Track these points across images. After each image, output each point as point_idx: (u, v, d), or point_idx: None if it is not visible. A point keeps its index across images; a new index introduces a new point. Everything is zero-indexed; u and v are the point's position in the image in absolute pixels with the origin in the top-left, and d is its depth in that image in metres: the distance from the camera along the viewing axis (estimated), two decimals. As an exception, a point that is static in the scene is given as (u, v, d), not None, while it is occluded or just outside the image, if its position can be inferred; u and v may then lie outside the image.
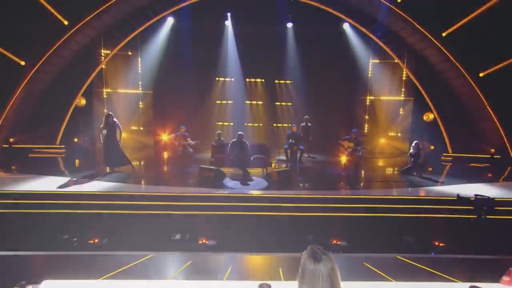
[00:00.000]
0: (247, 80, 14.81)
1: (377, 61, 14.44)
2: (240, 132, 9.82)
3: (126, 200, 7.41)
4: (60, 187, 8.00)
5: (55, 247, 6.00)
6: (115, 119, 9.72)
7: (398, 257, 5.79)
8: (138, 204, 7.39)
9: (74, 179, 8.82)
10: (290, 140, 11.91)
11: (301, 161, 12.08)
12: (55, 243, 6.12)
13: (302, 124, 13.14)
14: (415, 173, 10.10)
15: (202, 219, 7.13)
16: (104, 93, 14.16)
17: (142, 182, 9.19)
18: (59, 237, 6.21)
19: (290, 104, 15.09)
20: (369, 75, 14.61)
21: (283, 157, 12.19)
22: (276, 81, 14.96)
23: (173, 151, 10.95)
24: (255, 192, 8.13)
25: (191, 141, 10.77)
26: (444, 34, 11.91)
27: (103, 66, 13.73)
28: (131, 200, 7.44)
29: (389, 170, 11.64)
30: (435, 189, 8.71)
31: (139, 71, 14.27)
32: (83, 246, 6.16)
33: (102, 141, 9.56)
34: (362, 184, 9.68)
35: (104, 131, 9.64)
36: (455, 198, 7.36)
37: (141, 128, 14.75)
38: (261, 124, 15.09)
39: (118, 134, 9.86)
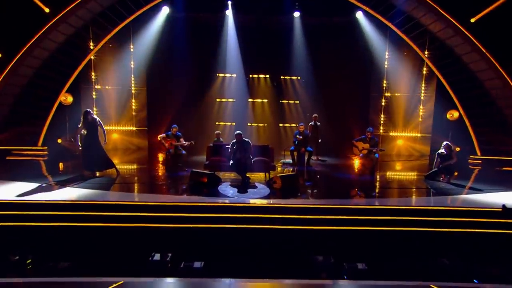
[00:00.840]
0: (250, 76, 14.08)
1: (395, 53, 13.28)
2: (238, 132, 8.69)
3: (94, 211, 6.31)
4: (23, 195, 6.90)
5: (1, 271, 4.90)
6: (95, 117, 8.70)
7: (432, 286, 4.59)
8: (109, 216, 6.29)
9: (44, 185, 7.74)
10: (297, 141, 10.75)
11: (309, 165, 10.96)
12: (1, 266, 5.03)
13: (310, 123, 12.07)
14: (442, 178, 8.86)
15: (188, 234, 6.00)
16: (93, 89, 13.17)
17: (121, 189, 8.09)
18: (8, 258, 5.10)
19: (297, 102, 14.22)
20: (385, 69, 13.51)
21: (289, 160, 11.07)
22: (282, 77, 14.10)
23: (163, 153, 9.81)
24: (255, 201, 6.99)
25: (184, 142, 9.66)
26: (472, 20, 10.64)
27: (92, 59, 12.82)
28: (101, 210, 6.34)
29: (410, 175, 10.39)
30: (470, 198, 7.46)
31: (132, 66, 13.35)
32: (38, 270, 5.06)
33: (80, 143, 8.48)
34: (379, 191, 8.46)
35: (84, 131, 8.59)
36: (500, 209, 6.10)
37: (134, 128, 13.73)
38: (265, 124, 14.24)
39: (102, 135, 8.80)
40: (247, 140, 8.71)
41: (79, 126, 8.55)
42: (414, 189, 8.54)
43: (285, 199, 7.37)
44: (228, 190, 7.86)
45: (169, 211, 6.55)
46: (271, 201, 7.10)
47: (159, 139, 9.69)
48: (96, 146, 8.70)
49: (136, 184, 8.61)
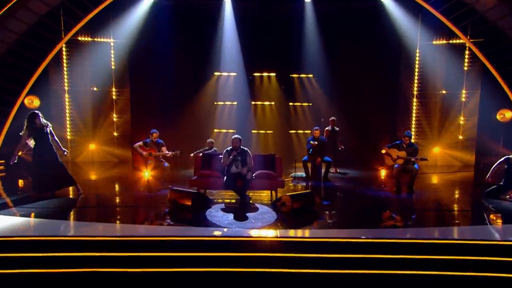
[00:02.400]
0: (253, 74, 12.62)
1: (430, 42, 11.52)
2: (236, 136, 6.94)
3: (30, 250, 4.56)
4: None
5: None
6: (44, 121, 6.98)
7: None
8: (49, 258, 4.51)
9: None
10: (312, 149, 9.00)
11: (327, 179, 9.18)
12: None
13: (327, 128, 10.37)
14: (509, 196, 6.95)
15: (162, 281, 4.24)
16: (65, 91, 11.65)
17: (78, 216, 6.33)
18: None
19: (310, 104, 12.75)
20: (417, 63, 11.83)
21: (302, 174, 9.35)
22: (292, 75, 12.67)
23: (140, 166, 8.06)
24: (257, 233, 5.20)
25: (167, 152, 7.90)
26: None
27: (64, 55, 11.28)
28: (42, 249, 4.60)
29: (459, 192, 8.46)
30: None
31: (112, 63, 11.82)
32: None
33: (17, 156, 6.81)
34: (423, 215, 6.58)
35: (32, 142, 6.90)
36: None
37: (116, 134, 12.08)
38: (272, 131, 12.80)
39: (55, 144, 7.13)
40: (246, 149, 6.98)
41: (21, 133, 6.84)
42: (472, 213, 6.62)
43: (298, 228, 5.55)
44: (220, 215, 6.05)
45: (134, 248, 4.77)
46: (278, 232, 5.24)
47: (135, 148, 7.93)
48: (50, 159, 6.97)
49: (99, 208, 6.80)
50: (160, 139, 8.15)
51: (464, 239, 5.00)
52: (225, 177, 6.84)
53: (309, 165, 9.20)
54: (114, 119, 12.04)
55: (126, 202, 7.22)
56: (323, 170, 9.23)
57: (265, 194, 7.61)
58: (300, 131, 12.79)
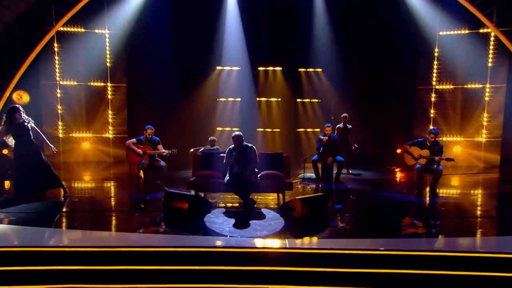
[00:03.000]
0: (259, 69, 12.17)
1: (450, 32, 10.85)
2: (237, 133, 6.32)
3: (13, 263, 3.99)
4: None
5: None
6: (25, 116, 6.45)
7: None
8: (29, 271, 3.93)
9: None
10: (322, 147, 8.40)
11: (339, 180, 8.54)
12: None
13: (338, 125, 9.78)
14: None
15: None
16: (57, 86, 11.10)
17: (65, 223, 5.75)
18: None
19: (319, 101, 12.29)
20: (436, 54, 11.16)
21: (311, 175, 8.75)
22: (300, 70, 12.22)
23: (133, 165, 7.50)
24: (262, 242, 4.59)
25: (163, 150, 7.30)
26: None
27: (56, 47, 10.78)
28: (26, 262, 4.04)
29: (487, 197, 7.78)
30: None
31: (107, 56, 11.28)
32: None
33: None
34: (449, 222, 5.92)
35: (11, 139, 6.35)
36: None
37: (111, 135, 11.52)
38: (278, 130, 12.38)
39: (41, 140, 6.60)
40: (250, 145, 6.34)
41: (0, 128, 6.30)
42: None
43: (309, 237, 4.94)
44: (220, 221, 5.43)
45: (123, 260, 4.21)
46: (287, 242, 4.61)
47: (127, 145, 7.33)
48: (32, 158, 6.42)
49: (86, 213, 6.20)
50: (156, 136, 7.55)
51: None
52: (226, 178, 6.23)
53: (320, 165, 8.59)
54: (110, 116, 11.50)
55: (117, 206, 6.62)
56: (334, 171, 8.60)
57: (271, 198, 7.02)
58: (309, 130, 12.32)
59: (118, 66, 11.35)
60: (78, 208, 6.28)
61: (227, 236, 4.82)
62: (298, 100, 12.25)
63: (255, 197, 6.59)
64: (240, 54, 11.56)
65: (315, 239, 4.92)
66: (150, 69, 11.01)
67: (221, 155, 6.63)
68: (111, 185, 8.38)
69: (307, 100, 12.24)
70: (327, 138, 8.42)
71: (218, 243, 4.63)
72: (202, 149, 8.37)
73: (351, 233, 5.24)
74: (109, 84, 11.41)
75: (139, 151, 7.20)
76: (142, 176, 7.39)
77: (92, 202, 6.81)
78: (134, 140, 7.36)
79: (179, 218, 5.58)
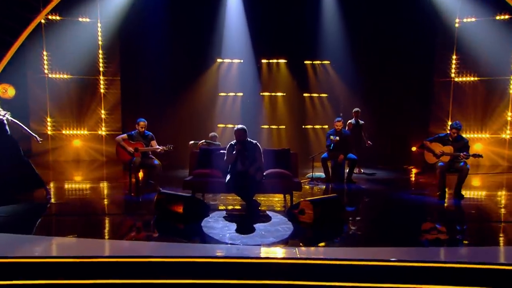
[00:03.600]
0: (262, 61, 11.70)
1: (470, 19, 10.39)
2: (239, 126, 5.76)
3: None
4: None
5: None
6: (1, 110, 5.96)
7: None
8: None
9: None
10: (333, 144, 7.82)
11: (351, 180, 7.98)
12: None
13: (350, 121, 9.29)
14: None
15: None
16: (46, 79, 10.63)
17: (46, 230, 5.21)
18: None
19: (326, 95, 11.90)
20: (456, 43, 10.67)
21: (320, 174, 8.22)
22: (306, 62, 11.78)
23: (125, 163, 6.97)
24: (269, 252, 4.05)
25: (157, 147, 6.75)
26: None
27: (44, 38, 10.34)
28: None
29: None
30: None
31: (100, 48, 10.77)
32: None
33: None
34: (482, 228, 5.32)
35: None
36: None
37: (104, 131, 11.05)
38: (283, 126, 11.98)
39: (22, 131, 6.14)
40: (254, 142, 5.80)
41: None
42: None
43: (322, 245, 4.41)
44: (220, 227, 4.86)
45: (104, 272, 3.66)
46: (296, 250, 4.04)
47: (117, 141, 6.79)
48: (9, 155, 5.90)
49: (69, 217, 5.64)
50: (151, 132, 7.02)
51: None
52: (227, 177, 5.66)
53: (329, 163, 8.06)
54: (103, 112, 11.03)
55: (105, 209, 6.06)
56: (345, 170, 8.06)
57: (277, 199, 6.45)
58: (317, 126, 11.89)
59: (111, 58, 10.91)
60: (63, 212, 5.72)
61: (227, 243, 4.26)
62: (306, 94, 11.81)
63: (260, 198, 6.04)
64: (242, 45, 11.14)
65: (329, 247, 4.36)
66: (146, 61, 10.56)
67: (221, 151, 6.11)
68: (102, 186, 7.82)
69: (316, 94, 11.81)
70: (337, 139, 7.83)
71: (218, 252, 4.08)
72: (203, 142, 7.90)
73: (368, 240, 4.66)
74: (101, 78, 10.95)
75: (130, 149, 6.66)
76: (134, 175, 6.83)
77: (78, 205, 6.24)
78: (125, 135, 6.83)
79: (173, 223, 5.05)
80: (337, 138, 7.82)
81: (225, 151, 5.83)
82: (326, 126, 11.45)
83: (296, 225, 4.93)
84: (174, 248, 4.27)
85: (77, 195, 7.06)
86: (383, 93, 10.92)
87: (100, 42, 10.73)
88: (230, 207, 5.98)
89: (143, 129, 6.83)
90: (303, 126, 11.82)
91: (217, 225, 4.91)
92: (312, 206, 4.97)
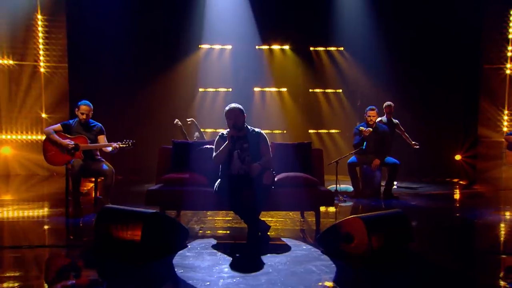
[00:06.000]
0: (258, 47, 10.87)
1: None
2: (233, 105, 4.36)
3: None
4: None
5: None
6: None
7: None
8: None
9: None
10: (365, 141, 6.40)
11: (391, 195, 6.57)
12: None
13: (381, 118, 7.95)
14: None
15: None
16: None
17: None
18: None
19: (339, 91, 11.08)
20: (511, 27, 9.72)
21: (347, 187, 6.98)
22: (312, 48, 11.02)
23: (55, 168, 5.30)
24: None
25: (108, 144, 4.98)
26: None
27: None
28: None
29: None
30: None
31: (40, 26, 9.62)
32: None
33: None
34: None
35: None
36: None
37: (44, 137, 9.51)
38: (284, 131, 11.08)
39: None
40: (257, 130, 4.38)
41: None
42: None
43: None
44: (205, 268, 3.09)
45: None
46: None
47: (46, 134, 5.04)
48: None
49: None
50: (98, 122, 5.28)
51: None
52: (217, 183, 3.96)
53: (358, 170, 6.67)
54: (43, 109, 9.67)
55: (24, 241, 4.17)
56: (384, 183, 6.65)
57: (291, 216, 4.80)
58: (330, 131, 10.91)
59: (55, 36, 9.71)
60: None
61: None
62: (312, 90, 10.92)
63: (269, 217, 4.29)
64: (234, 28, 10.29)
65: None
66: (106, 45, 9.59)
67: (207, 146, 4.64)
68: (28, 205, 5.92)
69: (331, 90, 10.93)
70: (371, 129, 6.33)
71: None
72: (191, 119, 7.41)
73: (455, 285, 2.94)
74: (42, 64, 9.66)
75: (67, 142, 4.83)
76: (73, 186, 4.99)
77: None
78: (58, 126, 5.06)
79: (123, 260, 3.22)
80: (370, 129, 6.39)
81: (213, 146, 4.29)
82: (337, 131, 10.66)
83: (340, 262, 3.20)
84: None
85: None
86: (414, 85, 10.00)
87: (39, 16, 9.49)
88: (220, 232, 4.28)
89: (87, 117, 5.06)
90: (309, 131, 10.87)
91: (201, 263, 3.13)
92: (365, 228, 3.19)
